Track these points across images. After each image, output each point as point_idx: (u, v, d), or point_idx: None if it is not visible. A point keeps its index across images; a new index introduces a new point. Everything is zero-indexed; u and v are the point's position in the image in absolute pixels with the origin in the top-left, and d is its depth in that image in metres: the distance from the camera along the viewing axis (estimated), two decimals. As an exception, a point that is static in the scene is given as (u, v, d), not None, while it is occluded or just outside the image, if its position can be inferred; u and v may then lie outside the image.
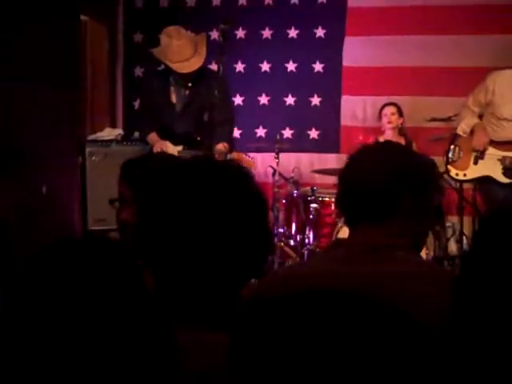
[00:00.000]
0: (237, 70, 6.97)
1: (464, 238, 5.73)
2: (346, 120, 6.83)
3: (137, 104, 6.78)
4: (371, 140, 6.04)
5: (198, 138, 5.09)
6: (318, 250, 5.72)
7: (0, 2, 5.32)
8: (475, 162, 5.11)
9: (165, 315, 1.23)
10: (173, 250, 1.36)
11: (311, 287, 1.31)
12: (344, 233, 5.34)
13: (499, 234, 1.29)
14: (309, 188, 6.07)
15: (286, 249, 5.94)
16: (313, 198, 5.94)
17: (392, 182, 1.71)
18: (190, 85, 5.14)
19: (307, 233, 5.94)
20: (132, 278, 1.17)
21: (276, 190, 5.90)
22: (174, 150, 5.06)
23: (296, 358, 0.90)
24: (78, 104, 6.26)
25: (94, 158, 5.95)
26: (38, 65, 5.56)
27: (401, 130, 6.26)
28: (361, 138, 6.19)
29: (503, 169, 4.97)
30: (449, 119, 5.72)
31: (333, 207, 5.84)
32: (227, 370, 0.96)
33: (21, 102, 5.52)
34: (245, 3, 7.01)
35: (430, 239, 5.28)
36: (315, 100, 6.91)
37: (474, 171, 5.12)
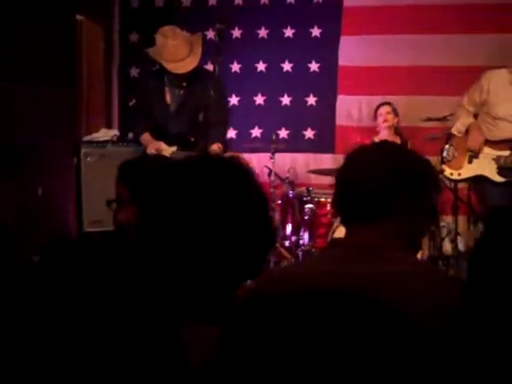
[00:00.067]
0: (232, 69, 6.97)
1: (458, 237, 5.74)
2: (341, 120, 6.83)
3: (132, 104, 6.78)
4: (367, 140, 6.06)
5: (192, 139, 5.08)
6: (313, 250, 5.72)
7: (0, 2, 5.32)
8: (470, 162, 5.11)
9: (169, 312, 1.23)
10: (174, 248, 1.36)
11: (306, 287, 1.31)
12: (340, 233, 5.34)
13: (506, 232, 1.29)
14: (304, 188, 6.07)
15: (281, 250, 5.94)
16: (308, 198, 5.94)
17: (388, 182, 1.72)
18: (184, 85, 5.13)
19: (302, 233, 5.94)
20: (134, 277, 1.18)
21: (271, 190, 5.89)
22: (167, 150, 5.05)
23: (289, 356, 0.90)
24: (73, 104, 6.26)
25: (89, 158, 5.93)
26: (37, 65, 5.56)
27: (396, 130, 6.27)
28: (358, 139, 6.19)
29: (498, 168, 4.97)
30: (444, 119, 5.73)
31: (328, 207, 5.85)
32: (218, 365, 0.96)
33: (21, 102, 5.53)
34: (241, 3, 7.01)
35: (425, 239, 5.29)
36: (311, 100, 6.91)
37: (468, 171, 5.13)
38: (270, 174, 5.99)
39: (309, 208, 5.90)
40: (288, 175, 6.24)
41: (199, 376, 1.13)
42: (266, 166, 6.07)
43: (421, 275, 1.65)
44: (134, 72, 7.08)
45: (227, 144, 5.32)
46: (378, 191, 1.72)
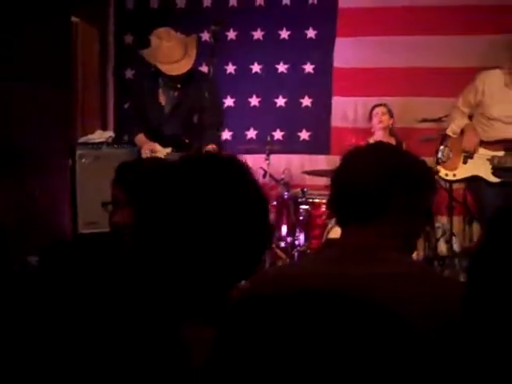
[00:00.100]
0: (227, 71, 6.97)
1: (454, 238, 5.75)
2: (336, 121, 6.84)
3: (127, 106, 6.77)
4: (362, 141, 6.07)
5: (187, 141, 5.08)
6: (308, 251, 5.72)
7: (0, 2, 5.32)
8: (465, 162, 5.12)
9: (169, 312, 1.23)
10: (172, 248, 1.35)
11: (301, 287, 1.31)
12: (334, 234, 5.34)
13: (508, 233, 1.30)
14: (299, 189, 6.08)
15: (277, 250, 5.94)
16: (303, 199, 5.95)
17: (383, 183, 1.72)
18: (178, 86, 5.13)
19: (298, 234, 5.94)
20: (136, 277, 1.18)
21: (267, 191, 5.90)
22: (162, 151, 5.05)
23: (284, 357, 0.90)
24: (69, 106, 6.26)
25: (84, 160, 5.92)
26: (36, 65, 5.56)
27: (391, 131, 6.28)
28: (353, 140, 6.19)
29: (493, 168, 4.98)
30: (439, 120, 5.74)
31: (323, 208, 5.85)
32: (212, 366, 0.96)
33: (19, 102, 5.53)
34: (236, 4, 7.01)
35: (420, 239, 5.30)
36: (306, 101, 6.92)
37: (463, 171, 5.13)
38: (265, 176, 5.99)
39: (304, 209, 5.91)
40: (283, 176, 6.25)
41: (199, 376, 1.13)
42: (261, 168, 6.07)
43: (416, 276, 1.65)
44: (129, 74, 7.07)
45: (222, 145, 5.32)
46: (374, 192, 1.72)
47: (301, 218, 5.92)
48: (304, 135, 6.90)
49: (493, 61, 5.52)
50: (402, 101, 6.53)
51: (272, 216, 6.07)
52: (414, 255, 4.75)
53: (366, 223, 1.73)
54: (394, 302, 1.41)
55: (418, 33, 6.56)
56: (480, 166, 5.02)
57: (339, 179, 1.82)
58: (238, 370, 0.92)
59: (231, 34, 6.98)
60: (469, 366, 1.33)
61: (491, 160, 4.99)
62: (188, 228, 1.35)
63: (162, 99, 5.19)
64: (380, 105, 6.30)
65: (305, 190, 6.00)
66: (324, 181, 6.06)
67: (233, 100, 6.96)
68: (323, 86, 6.85)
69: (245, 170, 1.45)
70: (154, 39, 5.09)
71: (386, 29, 6.64)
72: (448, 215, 5.70)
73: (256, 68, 6.99)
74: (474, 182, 5.11)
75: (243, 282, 1.59)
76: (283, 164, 6.59)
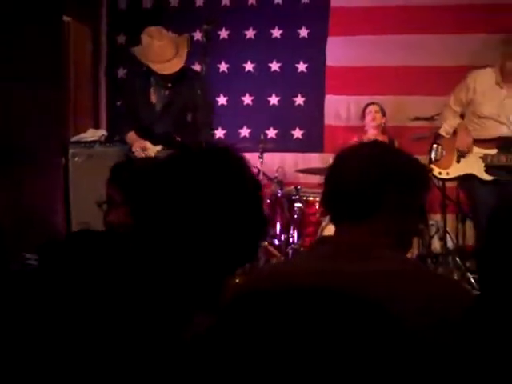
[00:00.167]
0: (220, 70, 6.97)
1: (447, 235, 5.76)
2: (329, 119, 6.84)
3: (119, 105, 6.76)
4: (355, 139, 6.07)
5: (178, 139, 5.07)
6: (302, 249, 5.72)
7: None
8: (458, 161, 5.14)
9: (180, 301, 1.23)
10: (172, 240, 1.35)
11: (295, 285, 1.32)
12: (328, 232, 5.35)
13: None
14: (293, 187, 6.09)
15: (271, 248, 5.95)
16: (297, 197, 5.96)
17: (376, 180, 1.72)
18: (169, 85, 5.13)
19: (291, 232, 5.95)
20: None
21: (260, 189, 5.88)
22: (153, 149, 5.05)
23: (277, 352, 0.90)
24: (61, 105, 6.25)
25: (77, 159, 5.92)
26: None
27: (383, 129, 6.30)
28: (348, 138, 6.19)
29: (486, 166, 5.00)
30: (431, 118, 5.75)
31: (317, 206, 5.86)
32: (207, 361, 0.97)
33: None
34: (228, 3, 7.01)
35: (414, 237, 5.30)
36: (299, 100, 6.92)
37: (456, 169, 5.15)
38: (258, 174, 5.99)
39: (297, 207, 5.91)
40: (277, 175, 6.25)
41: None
42: (255, 166, 6.07)
43: (410, 274, 1.65)
44: (122, 73, 7.06)
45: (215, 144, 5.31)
46: (367, 190, 1.72)
47: (295, 215, 5.93)
48: (297, 133, 6.91)
49: (485, 59, 5.54)
50: (395, 99, 6.54)
51: (266, 214, 6.06)
52: (409, 253, 4.77)
53: (359, 221, 1.73)
54: (387, 299, 1.41)
55: (410, 31, 6.57)
56: (473, 165, 5.04)
57: (333, 177, 1.82)
58: (232, 365, 0.92)
59: (224, 33, 6.98)
60: (466, 364, 1.33)
61: (484, 158, 5.00)
62: (186, 219, 1.35)
63: (154, 98, 5.19)
64: (373, 103, 6.32)
65: (298, 187, 6.01)
66: (317, 179, 6.07)
67: (226, 98, 6.96)
68: (316, 84, 6.85)
69: (240, 160, 1.45)
70: (145, 38, 5.08)
71: (378, 28, 6.65)
72: (442, 213, 5.72)
73: (249, 67, 6.99)
74: (467, 180, 5.12)
75: (237, 280, 1.59)
76: (277, 162, 6.59)
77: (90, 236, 1.36)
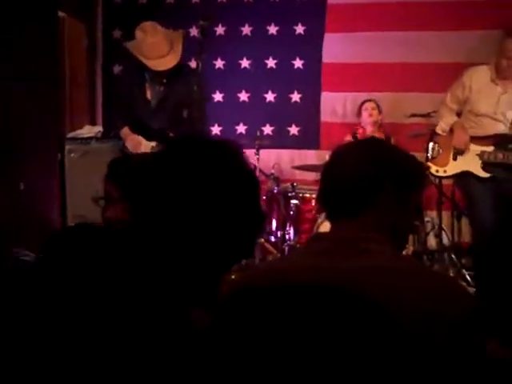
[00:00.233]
0: (216, 66, 6.96)
1: (443, 232, 5.77)
2: (326, 116, 6.84)
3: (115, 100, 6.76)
4: (349, 135, 6.09)
5: (171, 135, 5.06)
6: (298, 245, 5.73)
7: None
8: (455, 158, 5.14)
9: (178, 297, 1.23)
10: (168, 237, 1.35)
11: (290, 281, 1.31)
12: (324, 228, 5.36)
13: None
14: (289, 184, 6.09)
15: (267, 245, 5.95)
16: (293, 194, 5.96)
17: (372, 177, 1.72)
18: (164, 81, 5.11)
19: (288, 229, 5.95)
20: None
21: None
22: (147, 145, 5.04)
23: (273, 347, 0.90)
24: (57, 101, 6.24)
25: (73, 155, 5.92)
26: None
27: (379, 126, 6.30)
28: (347, 135, 6.19)
29: (482, 163, 5.00)
30: (428, 115, 5.75)
31: (313, 203, 5.87)
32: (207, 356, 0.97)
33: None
34: (224, 0, 7.00)
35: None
36: (295, 96, 6.92)
37: (454, 167, 5.14)
38: (254, 170, 5.99)
39: (294, 204, 5.92)
40: (273, 171, 6.25)
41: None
42: (251, 163, 6.07)
43: (405, 270, 1.65)
44: (118, 69, 7.05)
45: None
46: (363, 186, 1.72)
47: (291, 212, 5.93)
48: (293, 130, 6.91)
49: (482, 56, 5.54)
50: (391, 96, 6.55)
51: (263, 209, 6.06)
52: (404, 250, 4.77)
53: (355, 217, 1.73)
54: (382, 295, 1.41)
55: (407, 28, 6.57)
56: (470, 162, 5.04)
57: (329, 174, 1.81)
58: (231, 361, 0.92)
59: (220, 30, 6.97)
60: (458, 362, 1.34)
61: (481, 155, 5.00)
62: (183, 214, 1.34)
63: (149, 94, 5.18)
64: (369, 100, 6.33)
65: (295, 184, 6.01)
66: (314, 175, 6.08)
67: (222, 95, 6.96)
68: (312, 81, 6.85)
69: (238, 155, 1.44)
70: (138, 33, 5.06)
71: (374, 24, 6.65)
72: (437, 210, 5.73)
73: (245, 63, 6.98)
74: (463, 177, 5.12)
75: (233, 276, 1.59)
76: (273, 159, 6.59)
77: (88, 232, 1.35)
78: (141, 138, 5.07)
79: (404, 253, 3.27)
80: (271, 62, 6.95)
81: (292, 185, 6.01)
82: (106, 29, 7.15)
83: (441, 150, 5.21)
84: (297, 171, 6.47)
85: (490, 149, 5.00)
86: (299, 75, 6.91)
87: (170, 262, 1.32)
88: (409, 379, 0.98)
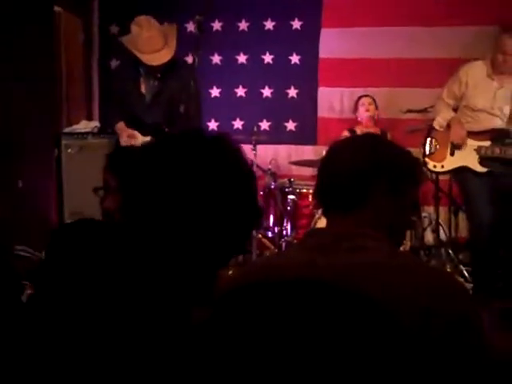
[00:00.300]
0: (213, 61, 6.96)
1: (440, 228, 5.77)
2: (323, 112, 6.84)
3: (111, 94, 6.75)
4: (346, 131, 6.09)
5: (166, 130, 5.05)
6: (295, 241, 5.73)
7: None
8: (452, 154, 5.14)
9: (179, 295, 1.23)
10: (164, 232, 1.35)
11: (286, 277, 1.31)
12: (321, 224, 5.35)
13: None
14: (286, 179, 6.09)
15: (264, 240, 5.95)
16: (290, 189, 5.95)
17: (367, 172, 1.71)
18: (158, 76, 5.11)
19: (285, 224, 5.95)
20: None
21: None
22: (142, 140, 5.04)
23: (269, 343, 0.90)
24: (53, 96, 6.24)
25: (69, 150, 5.91)
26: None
27: (375, 122, 6.31)
28: (344, 131, 6.19)
29: (479, 158, 5.01)
30: (425, 110, 5.76)
31: (310, 198, 5.86)
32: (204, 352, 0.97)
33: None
34: (221, -6, 6.99)
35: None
36: (292, 92, 6.91)
37: (451, 162, 5.15)
38: (251, 166, 5.99)
39: (291, 199, 5.91)
40: (270, 167, 6.25)
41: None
42: (248, 158, 6.05)
43: (403, 266, 1.65)
44: (114, 64, 7.03)
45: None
46: (359, 182, 1.72)
47: (288, 208, 5.93)
48: (290, 126, 6.90)
49: (477, 52, 5.55)
50: (388, 91, 6.55)
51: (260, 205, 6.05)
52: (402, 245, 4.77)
53: (351, 213, 1.73)
54: (379, 291, 1.41)
55: (404, 24, 6.57)
56: (467, 157, 5.04)
57: (325, 169, 1.81)
58: (229, 356, 0.92)
59: (216, 25, 6.96)
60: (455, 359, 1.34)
61: (478, 150, 5.01)
62: (179, 208, 1.34)
63: (143, 88, 5.17)
64: (366, 95, 6.33)
65: (292, 180, 6.01)
66: (311, 171, 6.08)
67: (219, 90, 6.95)
68: (309, 76, 6.84)
69: (234, 149, 1.44)
70: (134, 27, 5.06)
71: (371, 20, 6.64)
72: (434, 205, 5.73)
73: (242, 59, 6.97)
74: (460, 172, 5.13)
75: (230, 272, 1.59)
76: (270, 154, 6.59)
77: (89, 228, 1.35)
78: (136, 133, 5.07)
79: (401, 248, 3.28)
80: (268, 58, 6.94)
81: (289, 180, 6.01)
82: (102, 23, 7.14)
83: (438, 146, 5.21)
84: (294, 167, 6.47)
85: (487, 143, 5.00)
86: (296, 70, 6.90)
87: (166, 257, 1.32)
88: (406, 375, 0.97)
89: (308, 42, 6.83)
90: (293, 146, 6.84)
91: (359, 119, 6.30)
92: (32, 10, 5.74)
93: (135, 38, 5.00)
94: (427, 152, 5.23)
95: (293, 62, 6.91)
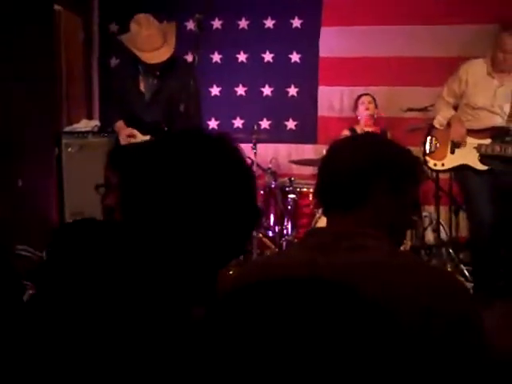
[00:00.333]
0: (213, 60, 6.95)
1: (441, 227, 5.77)
2: (323, 110, 6.84)
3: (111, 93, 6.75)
4: (346, 130, 6.09)
5: (166, 128, 5.04)
6: (296, 240, 5.72)
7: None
8: (452, 152, 5.14)
9: (180, 293, 1.23)
10: (164, 232, 1.34)
11: (286, 276, 1.31)
12: (322, 223, 5.34)
13: None
14: (286, 179, 6.08)
15: (265, 240, 5.95)
16: (291, 188, 5.95)
17: (367, 172, 1.71)
18: (157, 74, 5.10)
19: (285, 223, 5.95)
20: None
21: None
22: (141, 139, 5.03)
23: (270, 344, 0.90)
24: (53, 95, 6.24)
25: (70, 149, 5.91)
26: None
27: (375, 121, 6.31)
28: (345, 130, 6.18)
29: (480, 156, 5.01)
30: (425, 109, 5.76)
31: (310, 198, 5.86)
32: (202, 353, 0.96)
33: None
34: (221, -7, 6.99)
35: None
36: (292, 90, 6.91)
37: (451, 161, 5.15)
38: (252, 165, 5.99)
39: (291, 198, 5.91)
40: (270, 166, 6.25)
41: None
42: (248, 157, 6.06)
43: (403, 265, 1.65)
44: (114, 62, 7.03)
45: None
46: (359, 181, 1.71)
47: (288, 207, 5.92)
48: (291, 124, 6.90)
49: (477, 50, 5.55)
50: (388, 90, 6.55)
51: (259, 205, 6.06)
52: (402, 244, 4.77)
53: (351, 212, 1.73)
54: (379, 291, 1.41)
55: (403, 22, 6.57)
56: (467, 155, 5.04)
57: (325, 168, 1.81)
58: (226, 357, 0.92)
59: (216, 23, 6.96)
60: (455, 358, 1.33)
61: (478, 148, 5.01)
62: (178, 207, 1.33)
63: (142, 86, 5.17)
64: (366, 94, 6.33)
65: (292, 179, 6.01)
66: (311, 170, 6.07)
67: (219, 89, 6.95)
68: (309, 75, 6.84)
69: (233, 149, 1.43)
70: (133, 25, 5.06)
71: (371, 18, 6.64)
72: (435, 204, 5.73)
73: (242, 57, 6.97)
74: (460, 171, 5.13)
75: (231, 272, 1.58)
76: (270, 153, 6.59)
77: (87, 228, 1.34)
78: (135, 132, 5.07)
79: (402, 248, 3.28)
80: (268, 56, 6.94)
81: (289, 179, 6.00)
82: (102, 22, 7.14)
83: (438, 144, 5.21)
84: (294, 165, 6.47)
85: (487, 141, 5.00)
86: (296, 69, 6.90)
87: (166, 257, 1.32)
88: (406, 374, 0.97)
89: (308, 40, 6.83)
90: (293, 145, 6.84)
91: (359, 118, 6.30)
92: (32, 8, 5.74)
93: (134, 37, 5.00)
94: (427, 150, 5.23)
95: (293, 61, 6.91)
